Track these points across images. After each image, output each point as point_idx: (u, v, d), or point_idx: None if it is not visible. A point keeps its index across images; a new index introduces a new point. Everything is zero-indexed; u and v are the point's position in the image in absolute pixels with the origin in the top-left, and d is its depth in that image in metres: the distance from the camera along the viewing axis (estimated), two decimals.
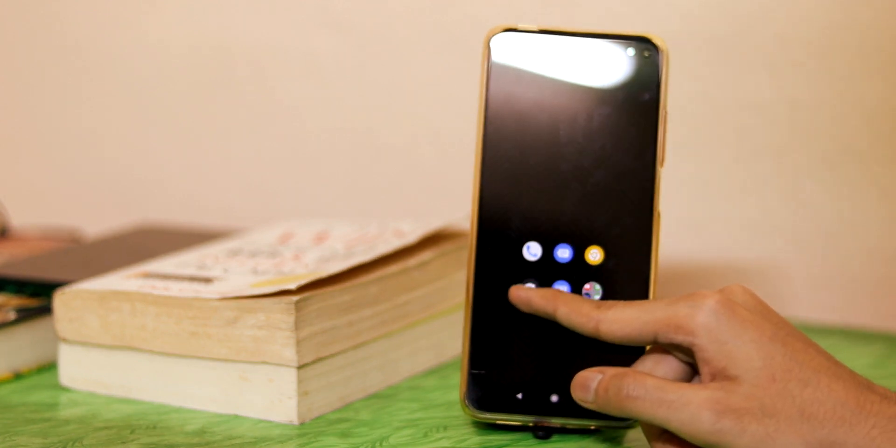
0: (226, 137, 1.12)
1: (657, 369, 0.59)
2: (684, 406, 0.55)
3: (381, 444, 0.65)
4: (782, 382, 0.55)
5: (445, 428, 0.67)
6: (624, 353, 0.62)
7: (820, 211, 0.91)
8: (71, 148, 1.19)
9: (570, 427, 0.65)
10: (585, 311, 0.61)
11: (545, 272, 0.65)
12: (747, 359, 0.56)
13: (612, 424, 0.64)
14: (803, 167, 0.91)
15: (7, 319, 0.76)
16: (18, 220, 1.12)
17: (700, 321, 0.57)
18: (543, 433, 0.65)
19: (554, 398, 0.64)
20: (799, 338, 0.57)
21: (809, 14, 0.89)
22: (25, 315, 0.77)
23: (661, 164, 0.65)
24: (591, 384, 0.60)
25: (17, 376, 0.77)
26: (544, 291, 0.63)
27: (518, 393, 0.64)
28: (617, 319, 0.59)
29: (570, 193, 0.65)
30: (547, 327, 0.64)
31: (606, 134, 0.65)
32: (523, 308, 0.63)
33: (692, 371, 0.59)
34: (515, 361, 0.64)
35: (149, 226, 1.02)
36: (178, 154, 1.14)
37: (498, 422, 0.65)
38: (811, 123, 0.90)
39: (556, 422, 0.64)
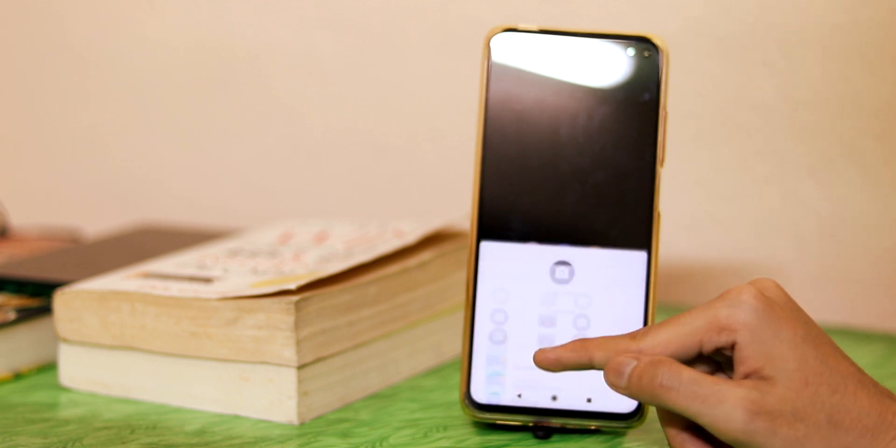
0: (226, 137, 1.12)
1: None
2: (719, 403, 0.54)
3: (381, 444, 0.65)
4: (814, 386, 0.55)
5: (445, 428, 0.67)
6: None
7: (820, 211, 0.91)
8: (71, 148, 1.18)
9: (570, 427, 0.65)
10: (622, 347, 0.57)
11: None
12: (783, 360, 0.55)
13: (612, 424, 0.64)
14: (803, 167, 0.91)
15: (7, 319, 0.76)
16: (18, 220, 1.12)
17: (742, 320, 0.55)
18: (543, 433, 0.65)
19: (554, 398, 0.64)
20: (826, 340, 0.57)
21: (810, 14, 0.89)
22: (25, 315, 0.77)
23: (661, 164, 0.65)
24: (624, 370, 0.57)
25: (17, 376, 0.77)
26: (570, 345, 0.58)
27: (518, 393, 0.64)
28: (657, 344, 0.57)
29: (570, 193, 0.65)
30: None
31: (606, 134, 0.65)
32: (555, 369, 0.59)
33: (721, 370, 0.58)
34: (515, 361, 0.64)
35: (149, 226, 1.02)
36: (178, 154, 1.14)
37: (498, 422, 0.65)
38: (811, 123, 0.90)
39: (556, 422, 0.64)
